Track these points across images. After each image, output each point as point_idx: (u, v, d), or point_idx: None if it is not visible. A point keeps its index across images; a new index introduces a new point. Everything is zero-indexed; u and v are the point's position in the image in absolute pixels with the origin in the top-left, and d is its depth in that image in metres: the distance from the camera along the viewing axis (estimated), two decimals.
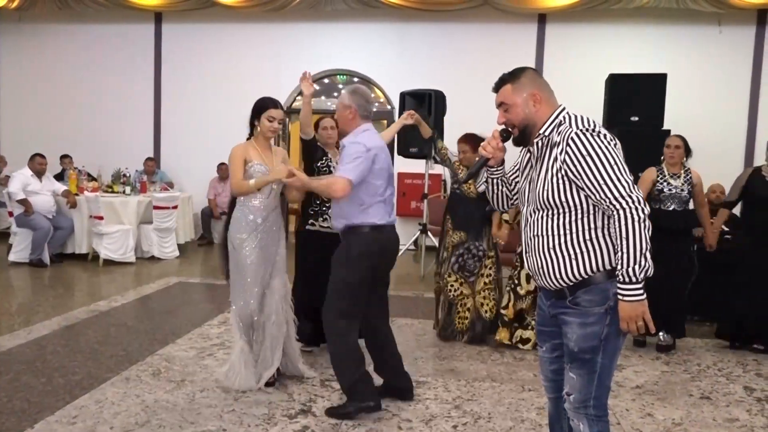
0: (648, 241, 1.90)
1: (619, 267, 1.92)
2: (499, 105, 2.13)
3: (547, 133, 2.06)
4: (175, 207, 7.97)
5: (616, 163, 1.93)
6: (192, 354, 4.14)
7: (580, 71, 8.46)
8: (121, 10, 9.34)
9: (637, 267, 1.89)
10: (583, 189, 1.96)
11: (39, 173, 7.23)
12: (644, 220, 1.90)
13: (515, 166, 2.28)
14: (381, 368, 3.41)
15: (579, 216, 2.00)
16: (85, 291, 6.34)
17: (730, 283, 4.69)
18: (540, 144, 2.08)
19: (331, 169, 4.09)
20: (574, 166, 1.95)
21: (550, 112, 2.08)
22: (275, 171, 3.28)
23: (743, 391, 3.80)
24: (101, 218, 7.21)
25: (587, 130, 1.97)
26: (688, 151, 4.61)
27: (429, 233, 7.31)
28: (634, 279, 1.90)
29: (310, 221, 4.08)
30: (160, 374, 3.74)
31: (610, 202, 1.91)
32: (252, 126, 3.48)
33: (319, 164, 4.07)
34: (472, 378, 3.86)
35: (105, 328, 4.77)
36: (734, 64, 8.51)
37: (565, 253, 2.01)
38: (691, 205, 4.58)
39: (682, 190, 4.51)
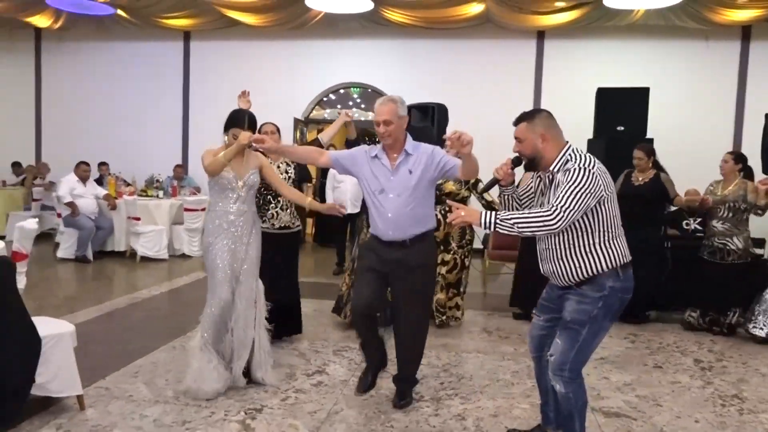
0: (524, 232, 2.49)
1: (505, 213, 2.52)
2: (516, 138, 2.70)
3: (555, 170, 2.61)
4: (203, 209, 8.76)
5: (578, 194, 2.46)
6: None
7: (575, 84, 9.12)
8: (152, 29, 10.17)
9: (503, 224, 2.50)
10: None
11: (83, 179, 8.07)
12: (545, 227, 2.46)
13: (528, 186, 2.90)
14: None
15: (579, 234, 2.60)
16: (126, 283, 7.14)
17: None
18: (550, 177, 2.66)
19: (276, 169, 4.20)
20: (560, 186, 2.53)
21: (557, 150, 2.63)
22: (240, 137, 3.43)
23: (692, 362, 4.46)
24: (138, 219, 8.03)
25: (583, 168, 2.50)
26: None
27: None
28: (492, 223, 2.51)
29: None
30: None
31: (552, 204, 2.49)
32: (225, 134, 3.61)
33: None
34: (461, 350, 4.56)
35: (147, 311, 5.54)
36: (720, 77, 9.10)
37: (572, 262, 2.61)
38: None
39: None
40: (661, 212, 5.62)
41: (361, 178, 3.36)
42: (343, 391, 3.67)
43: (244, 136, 3.42)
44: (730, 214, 5.12)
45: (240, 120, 3.55)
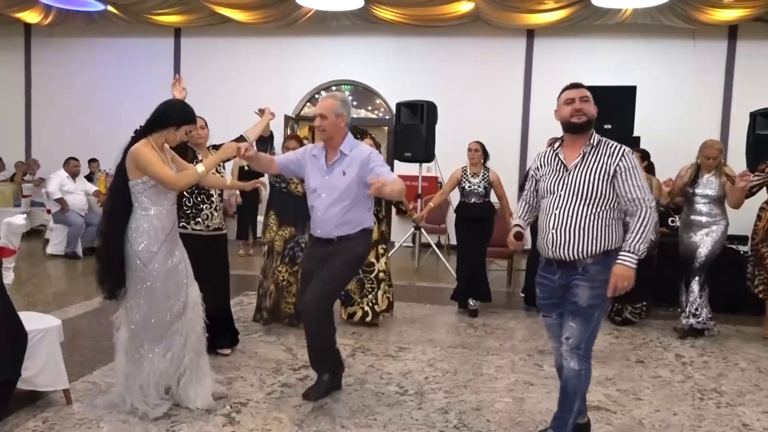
0: (645, 243, 2.65)
1: (629, 241, 2.64)
2: (582, 97, 2.77)
3: (594, 143, 2.76)
4: None
5: (641, 176, 2.74)
6: None
7: (564, 82, 9.02)
8: (143, 25, 10.17)
9: (642, 245, 2.64)
10: (622, 189, 2.68)
11: (74, 175, 8.09)
12: (654, 218, 2.66)
13: (524, 212, 3.02)
14: None
15: (609, 205, 2.72)
16: None
17: None
18: (588, 149, 2.75)
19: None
20: (625, 174, 2.68)
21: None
22: (224, 147, 3.25)
23: (674, 357, 4.53)
24: None
25: (631, 151, 2.75)
26: (486, 155, 5.65)
27: (422, 231, 8.06)
28: (635, 251, 2.63)
29: (182, 224, 3.83)
30: None
31: (639, 203, 2.66)
32: (162, 127, 3.12)
33: (194, 164, 3.71)
34: (446, 345, 4.62)
35: None
36: (707, 76, 9.19)
37: (594, 233, 2.71)
38: (492, 199, 5.67)
39: (479, 186, 5.53)
40: None
41: (305, 177, 3.45)
42: None
43: (233, 147, 3.18)
44: None
45: (193, 115, 3.21)
